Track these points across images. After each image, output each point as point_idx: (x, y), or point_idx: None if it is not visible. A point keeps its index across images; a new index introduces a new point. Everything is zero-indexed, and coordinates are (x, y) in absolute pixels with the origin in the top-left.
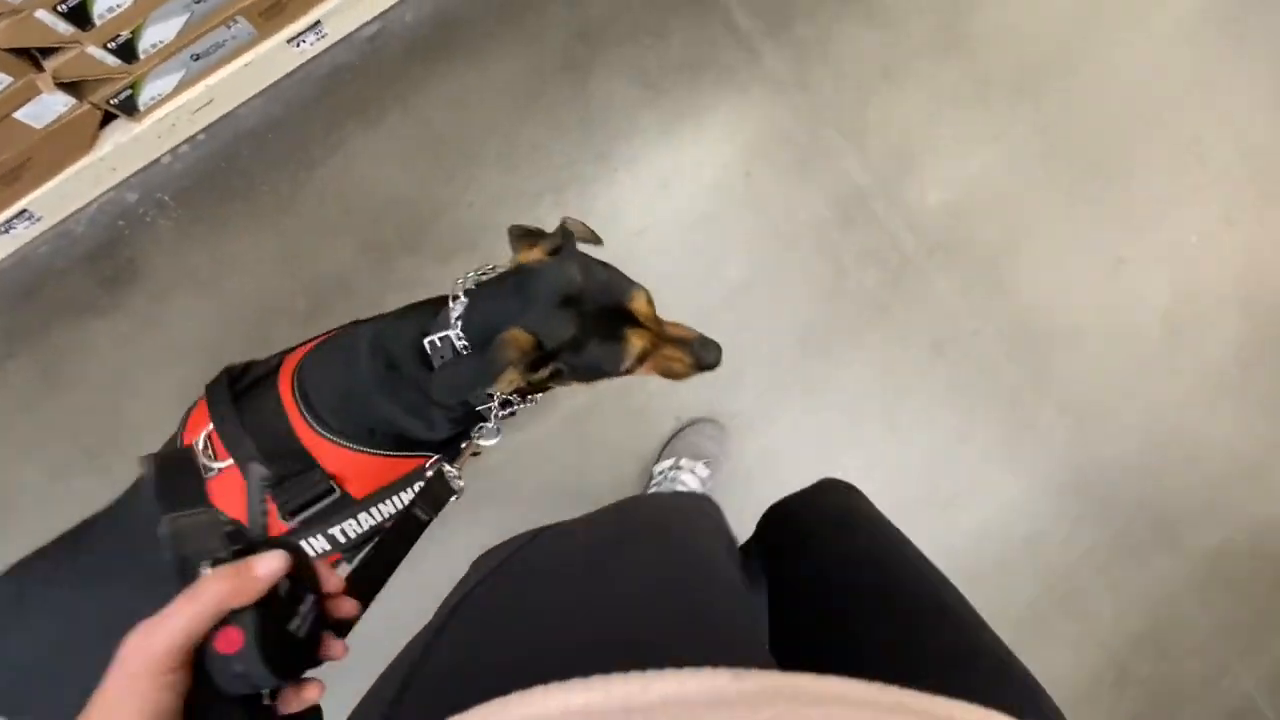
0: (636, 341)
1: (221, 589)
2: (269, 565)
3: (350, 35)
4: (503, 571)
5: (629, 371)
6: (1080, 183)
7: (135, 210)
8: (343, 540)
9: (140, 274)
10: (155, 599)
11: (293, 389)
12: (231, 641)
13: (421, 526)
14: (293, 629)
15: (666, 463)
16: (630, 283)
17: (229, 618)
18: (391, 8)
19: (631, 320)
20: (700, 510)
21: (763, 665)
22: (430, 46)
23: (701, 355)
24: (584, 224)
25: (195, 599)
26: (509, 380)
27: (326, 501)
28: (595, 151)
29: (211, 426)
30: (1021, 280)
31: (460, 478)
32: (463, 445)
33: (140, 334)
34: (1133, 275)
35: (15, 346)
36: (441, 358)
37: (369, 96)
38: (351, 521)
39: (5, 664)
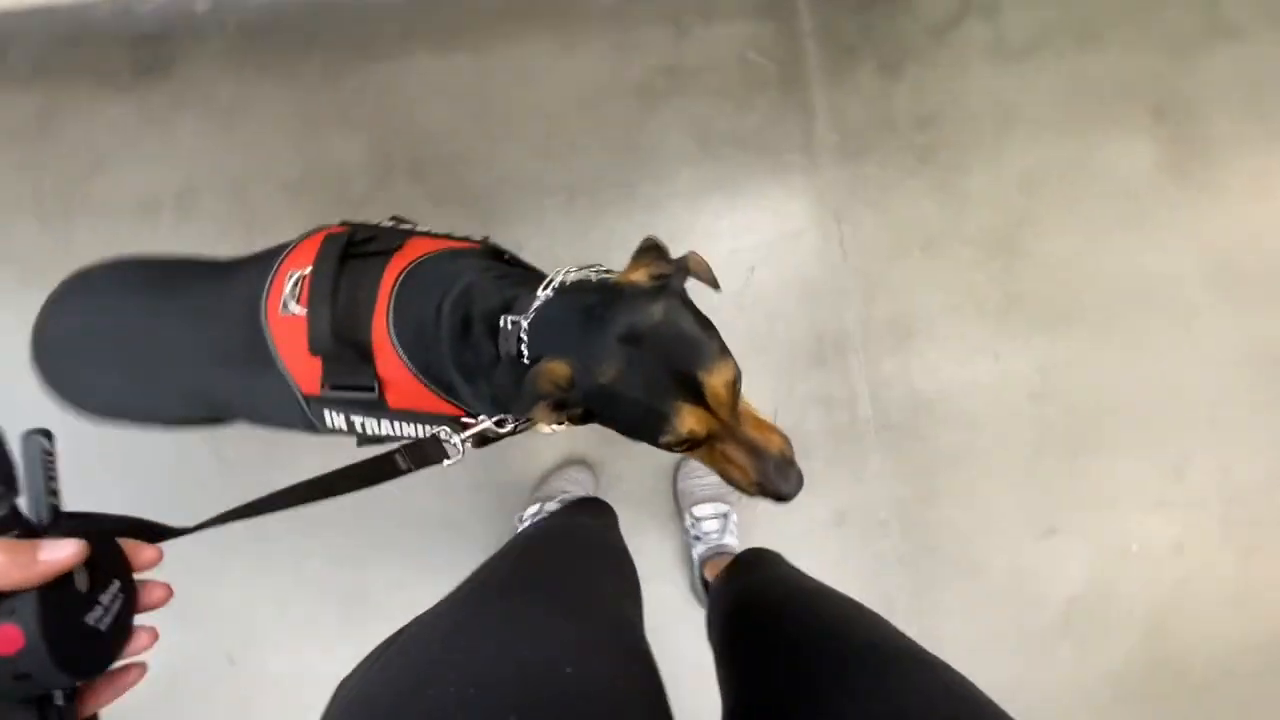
0: (688, 421)
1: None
2: (56, 553)
3: None
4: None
5: (672, 449)
6: (1055, 437)
7: (198, 18)
8: (357, 431)
9: (171, 75)
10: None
11: (394, 286)
12: (10, 640)
13: (395, 473)
14: (92, 622)
15: (532, 509)
16: (718, 351)
17: (3, 614)
18: None
19: (697, 394)
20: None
21: None
22: (526, 7)
23: (773, 478)
24: (708, 265)
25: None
26: (541, 415)
27: (363, 396)
28: (624, 179)
29: (309, 271)
30: (952, 498)
31: (459, 448)
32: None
33: (142, 126)
34: (1057, 549)
35: (33, 80)
36: (506, 341)
37: (451, 27)
38: (371, 421)
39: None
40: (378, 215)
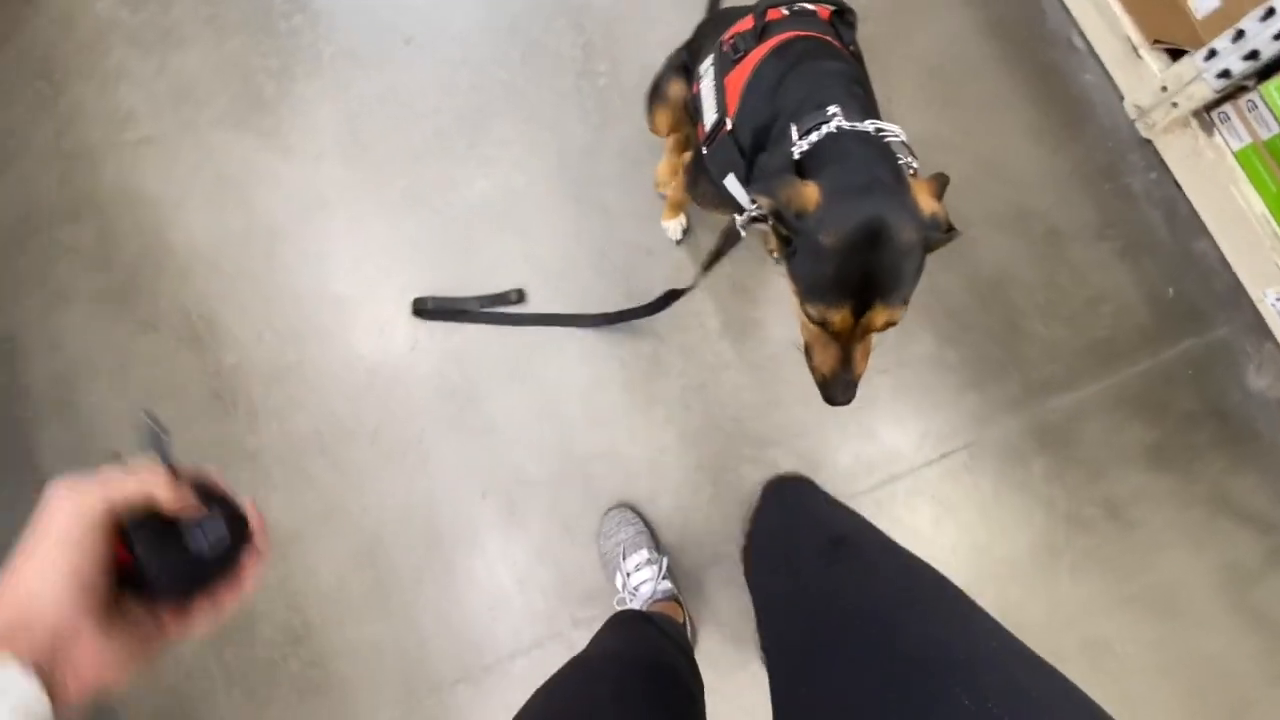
0: (836, 318)
1: (160, 482)
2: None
3: None
4: None
5: (804, 310)
6: None
7: None
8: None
9: None
10: None
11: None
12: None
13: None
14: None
15: (617, 580)
16: (902, 300)
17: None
18: None
19: (861, 305)
20: None
21: None
22: None
23: (834, 386)
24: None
25: (140, 477)
26: (767, 204)
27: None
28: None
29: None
30: None
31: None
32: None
33: None
34: None
35: None
36: (790, 142)
37: None
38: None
39: None
40: None
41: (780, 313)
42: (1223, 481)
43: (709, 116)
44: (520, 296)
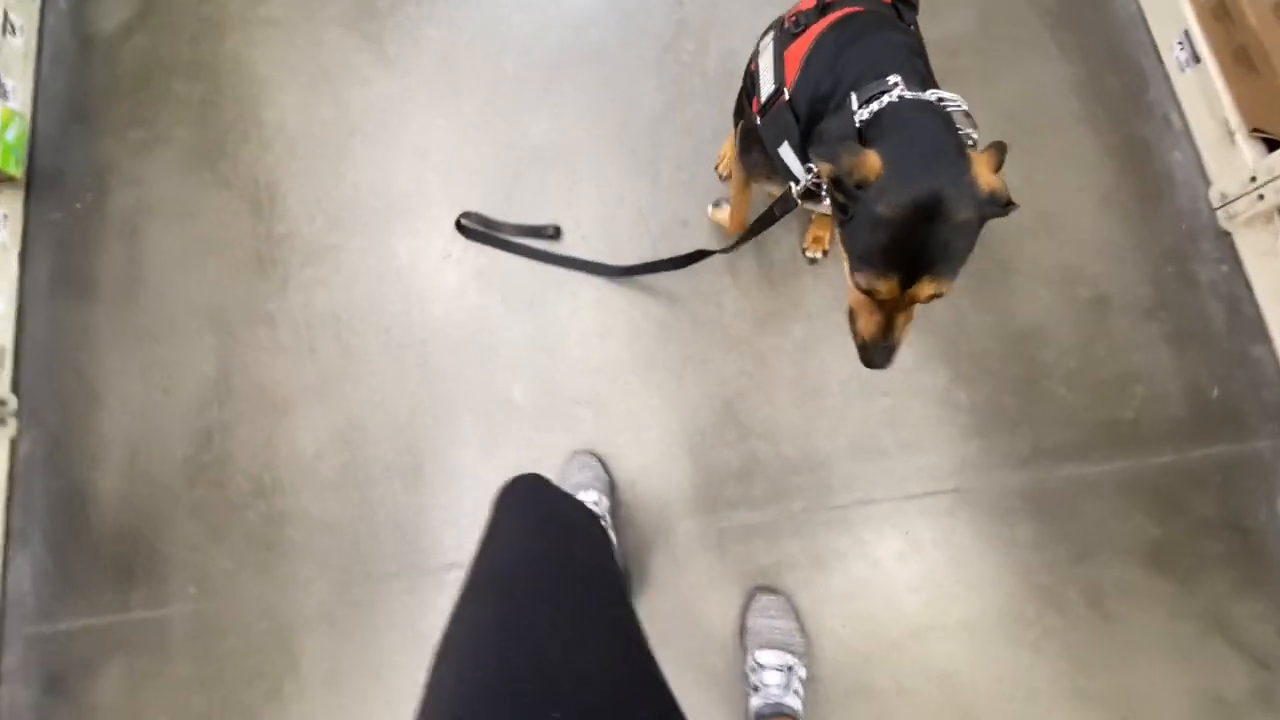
0: (883, 286)
1: None
2: None
3: None
4: None
5: (853, 277)
6: None
7: None
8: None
9: None
10: None
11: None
12: None
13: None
14: None
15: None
16: (949, 275)
17: None
18: None
19: (910, 277)
20: None
21: None
22: None
23: (874, 350)
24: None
25: None
26: (826, 170)
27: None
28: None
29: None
30: None
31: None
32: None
33: None
34: None
35: None
36: (852, 111)
37: None
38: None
39: None
40: None
41: (797, 313)
42: (1224, 602)
43: (766, 89)
44: (557, 233)
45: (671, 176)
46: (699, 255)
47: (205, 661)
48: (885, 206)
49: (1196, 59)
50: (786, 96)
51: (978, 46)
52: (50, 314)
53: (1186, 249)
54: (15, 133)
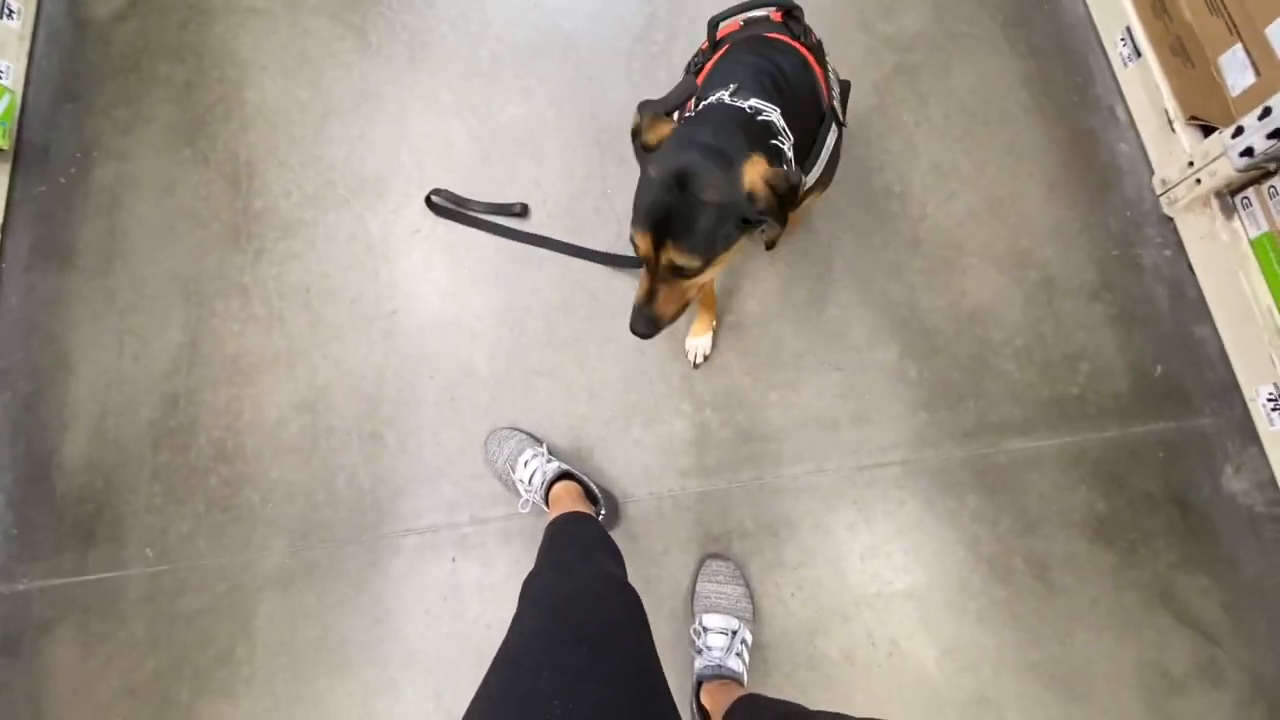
0: (640, 241)
1: None
2: None
3: None
4: None
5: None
6: None
7: None
8: None
9: None
10: None
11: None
12: None
13: None
14: None
15: (518, 488)
16: (691, 241)
17: None
18: None
19: (659, 237)
20: None
21: None
22: None
23: (638, 314)
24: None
25: None
26: (633, 121)
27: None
28: None
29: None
30: None
31: None
32: None
33: None
34: None
35: None
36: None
37: None
38: None
39: None
40: None
41: (754, 289)
42: (1169, 575)
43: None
44: (524, 210)
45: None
46: None
47: (159, 624)
48: (653, 168)
49: (1138, 53)
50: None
51: (933, 42)
52: (28, 283)
53: (1131, 234)
54: (4, 107)
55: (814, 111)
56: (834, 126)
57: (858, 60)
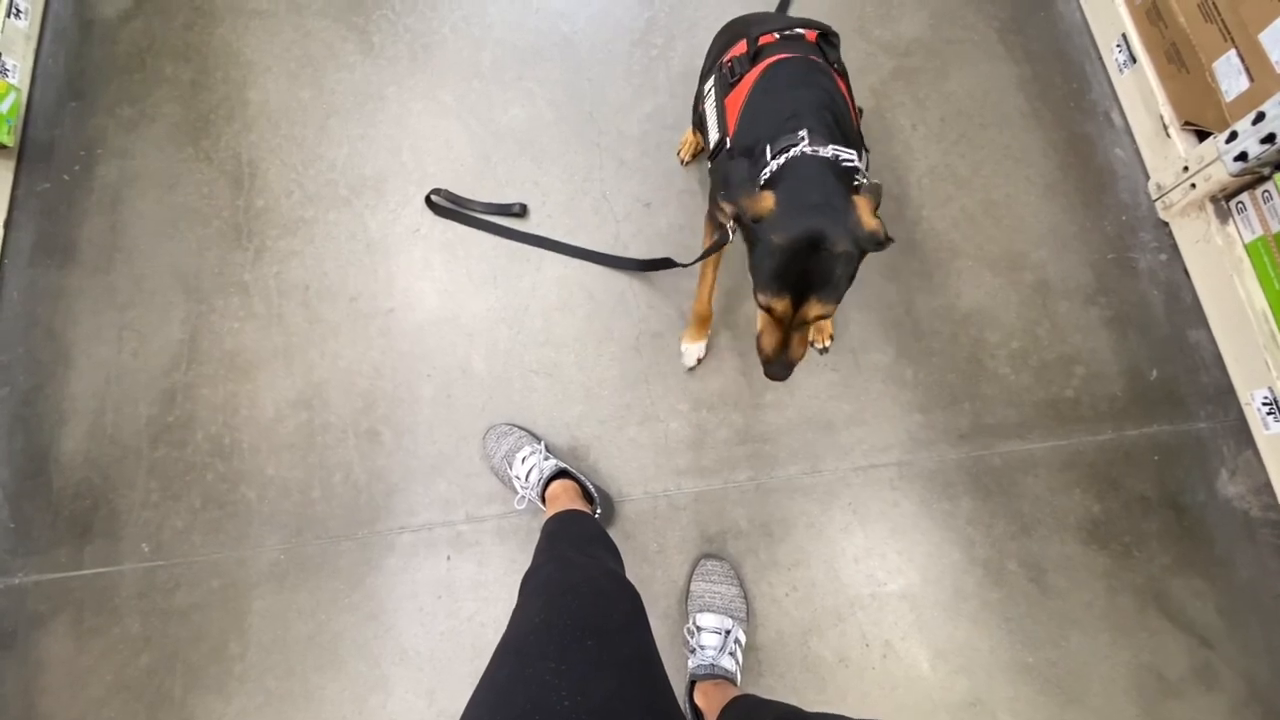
0: (777, 305)
1: None
2: None
3: None
4: None
5: (757, 298)
6: None
7: None
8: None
9: None
10: None
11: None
12: None
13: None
14: None
15: (515, 485)
16: (832, 299)
17: None
18: None
19: (799, 298)
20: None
21: None
22: None
23: (774, 364)
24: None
25: None
26: (728, 210)
27: (714, 104)
28: None
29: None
30: None
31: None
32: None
33: None
34: None
35: None
36: (759, 158)
37: None
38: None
39: None
40: None
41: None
42: (1163, 578)
43: (713, 135)
44: (523, 210)
45: (635, 161)
46: (662, 264)
47: (153, 619)
48: (778, 237)
49: (1134, 59)
50: (728, 145)
51: (930, 48)
52: (29, 279)
53: (1127, 238)
54: (9, 104)
55: (852, 133)
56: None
57: (855, 64)
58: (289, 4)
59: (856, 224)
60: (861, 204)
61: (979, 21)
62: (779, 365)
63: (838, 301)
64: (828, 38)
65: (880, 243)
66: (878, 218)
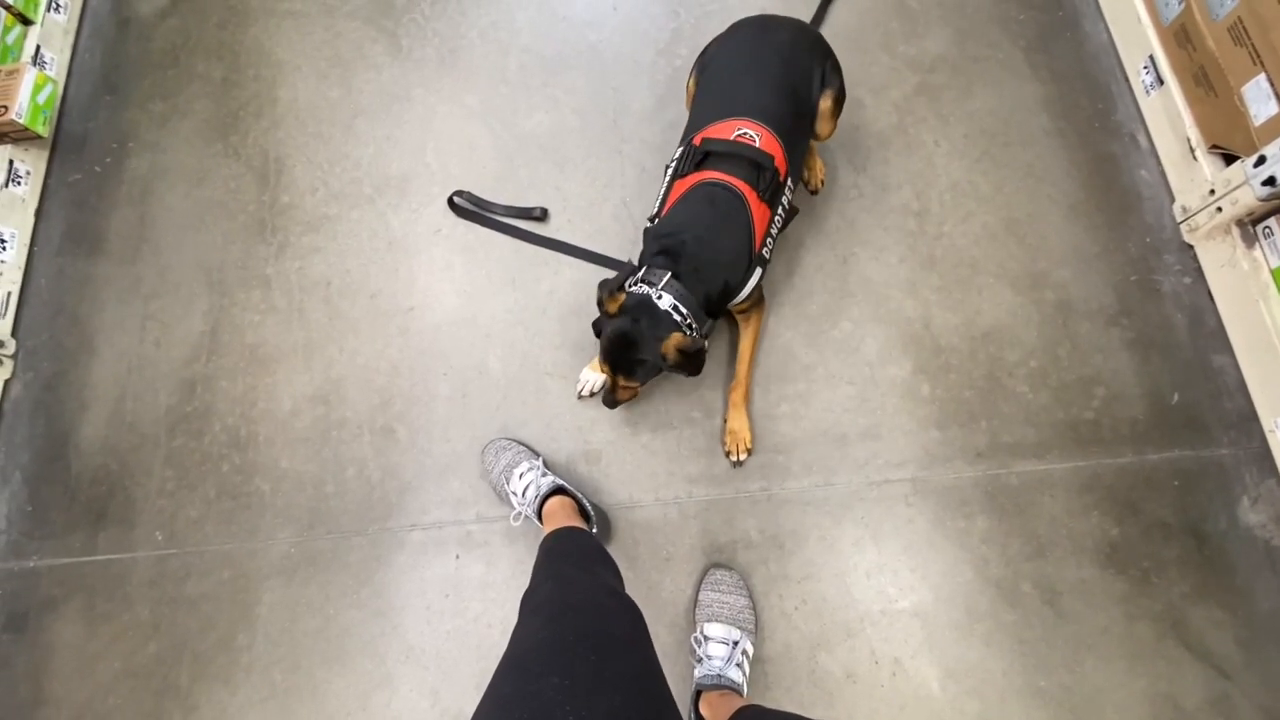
0: (604, 371)
1: None
2: None
3: None
4: None
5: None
6: None
7: None
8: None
9: None
10: None
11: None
12: None
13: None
14: None
15: (512, 500)
16: (631, 378)
17: None
18: None
19: (613, 370)
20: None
21: None
22: None
23: (607, 397)
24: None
25: None
26: (599, 293)
27: (669, 177)
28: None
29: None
30: None
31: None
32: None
33: None
34: None
35: None
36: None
37: None
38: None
39: None
40: None
41: (770, 306)
42: (1181, 606)
43: (655, 203)
44: (544, 214)
45: (656, 169)
46: None
47: (163, 607)
48: (610, 328)
49: (1161, 81)
50: (650, 224)
51: (955, 65)
52: (58, 267)
53: (1151, 260)
54: (46, 96)
55: (741, 262)
56: (759, 269)
57: (879, 80)
58: (320, 5)
59: (658, 344)
60: (671, 340)
61: (1004, 40)
62: (608, 399)
63: (639, 383)
64: (759, 163)
65: (670, 366)
66: (680, 350)
